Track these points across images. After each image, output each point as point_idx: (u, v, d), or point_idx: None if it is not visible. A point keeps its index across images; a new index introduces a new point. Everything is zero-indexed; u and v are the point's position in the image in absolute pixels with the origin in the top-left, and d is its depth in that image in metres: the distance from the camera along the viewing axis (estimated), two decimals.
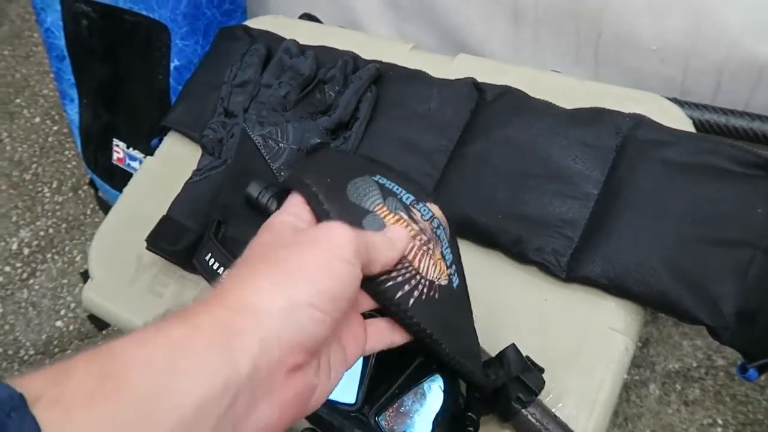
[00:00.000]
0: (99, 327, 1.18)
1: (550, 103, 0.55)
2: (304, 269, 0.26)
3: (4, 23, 1.83)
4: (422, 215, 0.37)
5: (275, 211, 0.46)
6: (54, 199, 1.45)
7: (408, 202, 0.37)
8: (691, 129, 0.54)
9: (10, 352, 1.25)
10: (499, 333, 0.46)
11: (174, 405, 0.21)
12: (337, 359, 0.30)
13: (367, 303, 0.33)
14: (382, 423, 0.41)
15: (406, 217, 0.36)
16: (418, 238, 0.36)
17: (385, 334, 0.34)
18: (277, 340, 0.25)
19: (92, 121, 1.04)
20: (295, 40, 0.67)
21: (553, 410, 0.45)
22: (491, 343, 0.44)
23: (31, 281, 1.34)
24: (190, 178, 0.63)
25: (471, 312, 0.40)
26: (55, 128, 1.57)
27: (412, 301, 0.33)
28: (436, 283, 0.35)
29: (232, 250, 0.55)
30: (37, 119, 1.60)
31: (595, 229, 0.50)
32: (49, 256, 1.37)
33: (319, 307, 0.26)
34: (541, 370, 0.44)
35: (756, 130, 0.62)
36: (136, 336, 0.23)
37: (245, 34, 0.72)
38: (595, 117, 0.53)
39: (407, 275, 0.34)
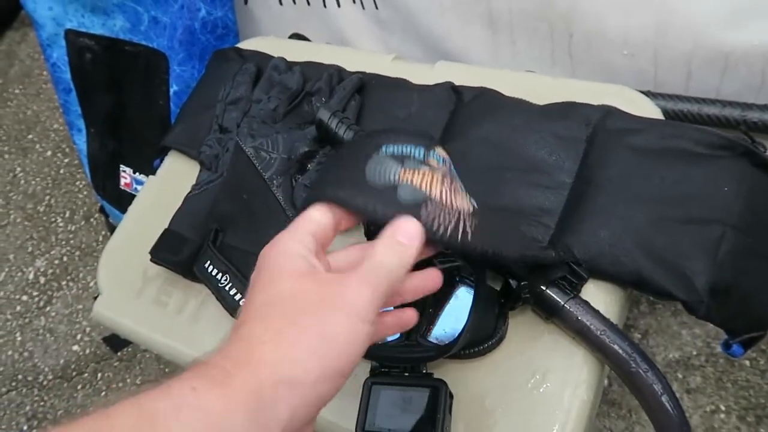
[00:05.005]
0: (114, 349, 1.22)
1: (523, 100, 0.58)
2: (333, 339, 0.28)
3: (14, 63, 1.90)
4: (437, 162, 0.40)
5: (344, 136, 0.51)
6: (67, 228, 1.50)
7: (422, 157, 0.40)
8: (660, 117, 0.56)
9: (29, 378, 1.29)
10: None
11: None
12: None
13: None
14: (432, 340, 0.46)
15: (427, 170, 0.39)
16: (445, 181, 0.39)
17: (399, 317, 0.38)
18: (306, 406, 0.27)
19: (99, 149, 1.09)
20: (283, 58, 0.71)
21: (540, 389, 0.47)
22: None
23: (47, 309, 1.38)
24: (190, 192, 0.66)
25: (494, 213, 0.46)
26: (66, 160, 1.63)
27: (470, 236, 0.37)
28: (470, 210, 0.39)
29: (229, 257, 0.58)
30: (49, 153, 1.66)
31: (570, 215, 0.52)
32: (64, 283, 1.41)
33: (343, 373, 0.28)
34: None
35: (728, 116, 0.64)
36: (174, 400, 0.25)
37: (237, 55, 0.76)
38: (565, 110, 0.56)
39: (454, 219, 0.37)
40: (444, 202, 0.38)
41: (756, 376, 0.87)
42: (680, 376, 0.90)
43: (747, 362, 0.89)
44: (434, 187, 0.38)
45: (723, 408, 0.86)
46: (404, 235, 0.33)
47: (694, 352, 0.90)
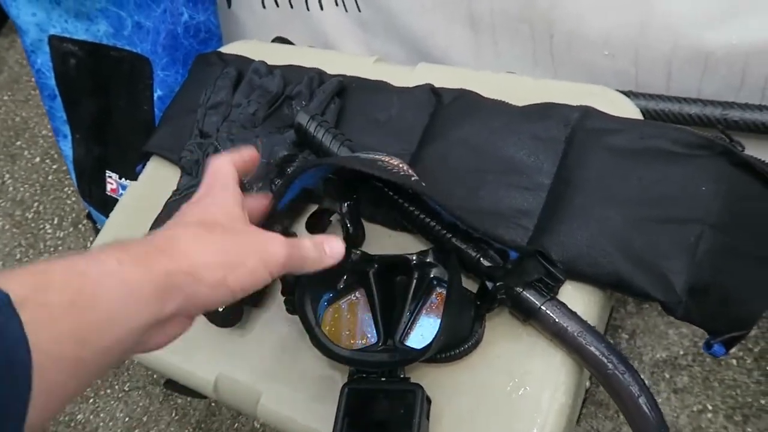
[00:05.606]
0: None
1: (503, 102, 0.58)
2: (241, 265, 0.34)
3: (3, 70, 1.89)
4: (397, 159, 0.50)
5: (322, 140, 0.57)
6: (56, 234, 1.49)
7: (383, 156, 0.50)
8: (639, 117, 0.56)
9: None
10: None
11: (122, 328, 0.29)
12: None
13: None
14: (409, 344, 0.47)
15: (385, 157, 0.48)
16: (402, 163, 0.49)
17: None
18: (194, 303, 0.32)
19: (85, 154, 1.08)
20: (263, 61, 0.70)
21: (518, 392, 0.47)
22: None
23: None
24: (170, 198, 0.66)
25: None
26: (55, 167, 1.62)
27: (423, 185, 0.47)
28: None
29: None
30: (37, 159, 1.65)
31: (549, 217, 0.52)
32: None
33: (233, 295, 0.34)
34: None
35: (709, 115, 0.64)
36: (101, 267, 0.29)
37: (219, 59, 0.76)
38: (544, 111, 0.56)
39: (409, 171, 0.48)
40: (399, 165, 0.47)
41: (743, 375, 0.87)
42: (667, 375, 0.89)
43: (734, 361, 0.89)
44: (391, 160, 0.47)
45: (710, 407, 0.86)
46: (331, 249, 0.39)
47: (681, 352, 0.90)
